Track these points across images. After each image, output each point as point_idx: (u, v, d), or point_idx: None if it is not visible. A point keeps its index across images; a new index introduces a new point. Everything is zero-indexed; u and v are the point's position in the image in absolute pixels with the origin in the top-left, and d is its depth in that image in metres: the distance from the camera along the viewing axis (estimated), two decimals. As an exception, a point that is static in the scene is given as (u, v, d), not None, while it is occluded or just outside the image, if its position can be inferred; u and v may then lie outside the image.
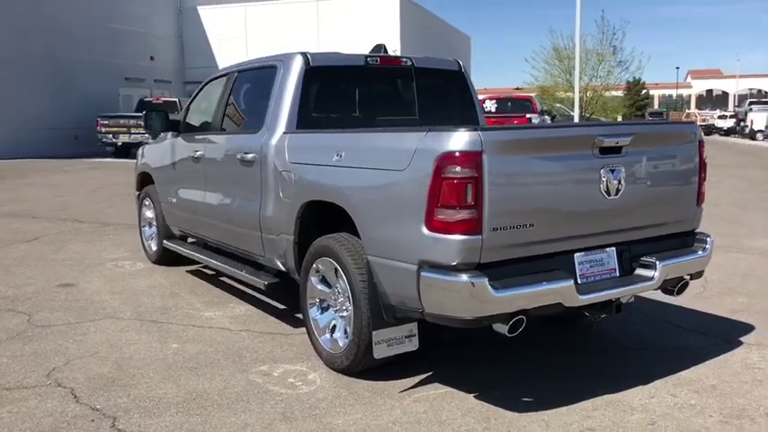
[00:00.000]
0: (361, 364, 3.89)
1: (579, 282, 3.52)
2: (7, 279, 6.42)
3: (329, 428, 3.37)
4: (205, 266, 6.79)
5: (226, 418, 3.49)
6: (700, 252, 4.02)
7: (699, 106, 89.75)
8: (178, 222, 6.35)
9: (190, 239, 6.64)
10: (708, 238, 4.09)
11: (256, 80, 5.22)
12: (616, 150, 3.56)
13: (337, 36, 29.10)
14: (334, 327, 4.13)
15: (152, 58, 30.17)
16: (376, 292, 3.66)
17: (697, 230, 4.17)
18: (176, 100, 25.30)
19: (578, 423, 3.39)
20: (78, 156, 22.60)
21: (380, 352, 3.68)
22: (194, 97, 6.29)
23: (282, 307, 5.41)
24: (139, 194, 7.31)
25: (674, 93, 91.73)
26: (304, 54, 4.72)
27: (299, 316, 5.11)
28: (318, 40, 29.90)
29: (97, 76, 26.26)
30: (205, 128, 5.93)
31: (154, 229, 7.04)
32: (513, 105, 22.46)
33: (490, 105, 21.63)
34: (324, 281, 4.18)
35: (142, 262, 7.12)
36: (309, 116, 4.67)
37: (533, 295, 3.29)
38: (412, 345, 3.77)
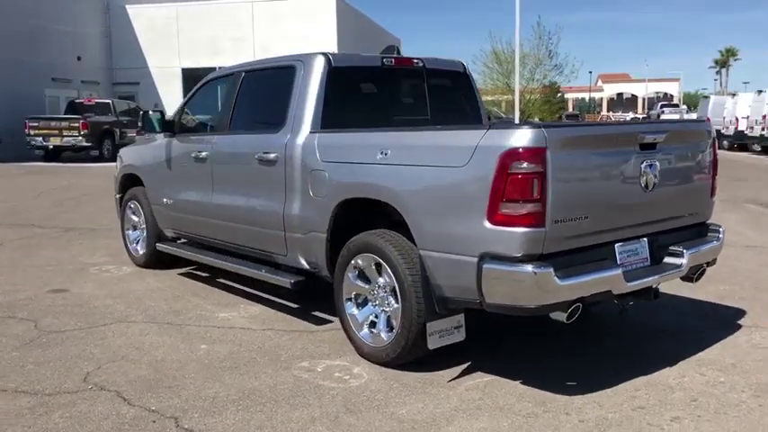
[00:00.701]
0: (408, 357, 3.99)
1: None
2: (-9, 286, 6.17)
3: (396, 418, 3.46)
4: (196, 269, 6.73)
5: (289, 413, 3.52)
6: (714, 241, 4.33)
7: (612, 109, 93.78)
8: (174, 224, 6.25)
9: (180, 241, 6.55)
10: (720, 228, 4.41)
11: (270, 80, 5.23)
12: (652, 147, 3.82)
13: (274, 36, 28.91)
14: (373, 322, 4.22)
15: (79, 59, 29.07)
16: (428, 285, 3.77)
17: (708, 221, 4.49)
18: (109, 102, 24.60)
19: (628, 403, 3.61)
20: (3, 160, 21.52)
21: (433, 343, 3.80)
22: (189, 98, 6.21)
23: (295, 306, 5.43)
24: (122, 197, 7.14)
25: (587, 96, 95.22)
26: (325, 54, 4.78)
27: (317, 314, 5.20)
28: (254, 41, 29.63)
29: (21, 77, 25.07)
30: (208, 128, 5.89)
31: (140, 232, 6.90)
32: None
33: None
34: (361, 276, 4.25)
35: (127, 266, 6.96)
36: (332, 116, 4.72)
37: (591, 283, 3.50)
38: (460, 335, 3.91)
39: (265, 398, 3.72)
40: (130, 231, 7.06)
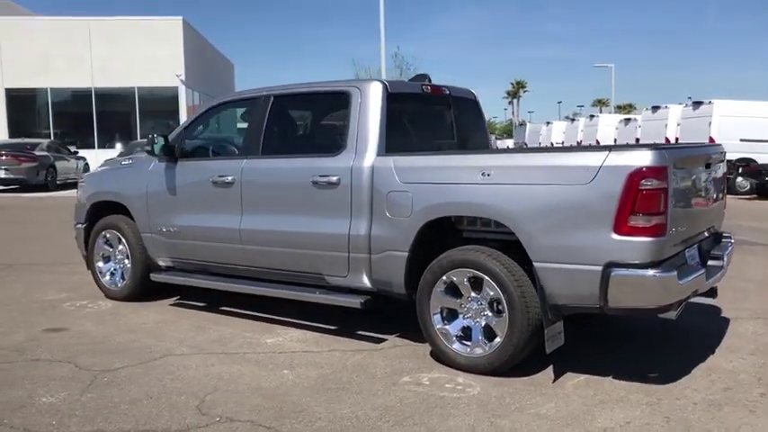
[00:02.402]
0: (512, 363, 4.28)
1: (693, 272, 4.34)
2: (-33, 329, 5.50)
3: (544, 417, 3.74)
4: (182, 298, 6.46)
5: (444, 423, 3.67)
6: (730, 246, 5.09)
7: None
8: (178, 253, 5.97)
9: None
10: (731, 235, 5.20)
11: (315, 105, 5.29)
12: (709, 166, 4.49)
13: (114, 56, 27.48)
14: (460, 335, 4.46)
15: None
16: (543, 295, 4.10)
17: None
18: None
19: (712, 386, 4.18)
20: None
21: (549, 347, 4.13)
22: (191, 123, 6.01)
23: (333, 327, 5.46)
24: (88, 227, 6.65)
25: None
26: (382, 81, 4.97)
27: (363, 333, 5.30)
28: (91, 60, 27.89)
29: None
30: (225, 152, 5.75)
31: (116, 263, 6.51)
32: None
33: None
34: (450, 291, 4.48)
35: (102, 300, 6.51)
36: (390, 139, 4.91)
37: (694, 283, 4.05)
38: (561, 340, 4.27)
39: (406, 412, 3.83)
40: (101, 263, 6.61)
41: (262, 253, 5.38)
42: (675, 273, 3.84)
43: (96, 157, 26.69)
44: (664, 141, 22.24)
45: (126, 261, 6.39)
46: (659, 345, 5.09)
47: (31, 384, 4.30)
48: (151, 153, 5.87)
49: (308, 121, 5.45)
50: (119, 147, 29.10)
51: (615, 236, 3.85)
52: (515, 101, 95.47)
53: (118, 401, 4.00)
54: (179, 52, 28.46)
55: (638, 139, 25.34)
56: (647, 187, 3.77)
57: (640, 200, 3.78)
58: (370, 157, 4.79)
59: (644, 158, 3.80)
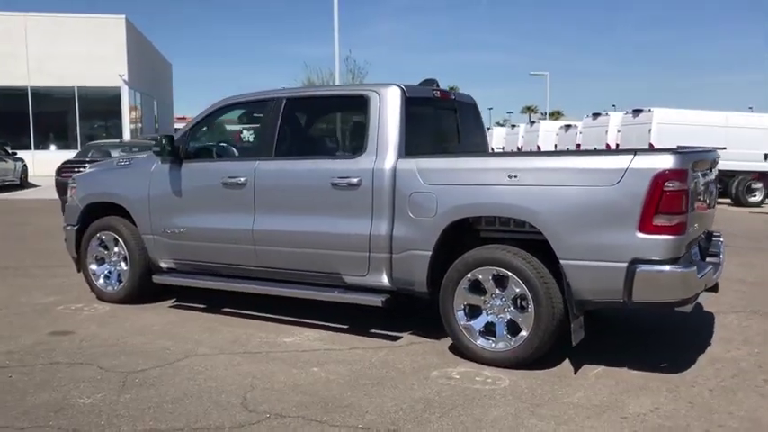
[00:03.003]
0: (536, 356, 4.50)
1: (701, 268, 4.66)
2: (-32, 334, 5.34)
3: (578, 405, 3.96)
4: (179, 300, 6.43)
5: (488, 413, 3.84)
6: (722, 245, 5.46)
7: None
8: (182, 254, 5.94)
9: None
10: (719, 234, 5.57)
11: (332, 108, 5.37)
12: (711, 169, 4.82)
13: (53, 53, 26.61)
14: (483, 330, 4.65)
15: None
16: (570, 291, 4.33)
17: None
18: None
19: (720, 374, 4.49)
20: None
21: (575, 339, 4.36)
22: (196, 124, 6.00)
23: (345, 326, 5.56)
24: (81, 228, 6.53)
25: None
26: (399, 86, 5.12)
27: (375, 331, 5.43)
28: (27, 57, 26.90)
29: None
30: (227, 153, 5.77)
31: (111, 265, 6.42)
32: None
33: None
34: (473, 288, 4.66)
35: (97, 303, 6.41)
36: (407, 142, 5.06)
37: (707, 277, 4.36)
38: (582, 333, 4.50)
39: (447, 404, 3.98)
40: (94, 266, 6.50)
41: (275, 253, 5.43)
42: (695, 268, 4.14)
43: (33, 159, 25.80)
44: (604, 147, 23.09)
45: (123, 263, 6.31)
46: (659, 337, 5.41)
47: (60, 386, 4.24)
48: (159, 154, 5.83)
49: (323, 124, 5.53)
50: (53, 148, 28.25)
51: (640, 234, 4.11)
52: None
53: (159, 401, 4.01)
54: (121, 51, 27.73)
55: (578, 145, 26.09)
56: (671, 189, 4.05)
57: (664, 200, 4.05)
58: (390, 159, 4.93)
59: (667, 161, 4.07)
